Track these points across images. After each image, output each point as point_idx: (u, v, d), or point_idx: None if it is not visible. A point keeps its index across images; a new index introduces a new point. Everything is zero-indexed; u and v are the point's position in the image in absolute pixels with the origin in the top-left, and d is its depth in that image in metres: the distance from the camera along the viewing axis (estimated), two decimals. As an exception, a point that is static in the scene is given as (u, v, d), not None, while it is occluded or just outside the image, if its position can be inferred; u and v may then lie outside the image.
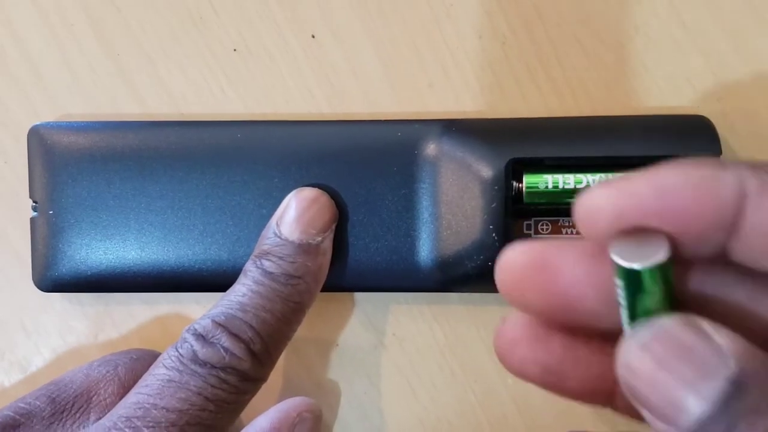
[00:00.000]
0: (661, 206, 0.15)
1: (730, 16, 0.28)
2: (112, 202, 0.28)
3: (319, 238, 0.26)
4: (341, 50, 0.29)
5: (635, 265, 0.15)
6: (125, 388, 0.26)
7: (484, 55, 0.29)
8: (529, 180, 0.26)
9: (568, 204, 0.26)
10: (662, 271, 0.15)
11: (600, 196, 0.16)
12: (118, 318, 0.30)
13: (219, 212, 0.28)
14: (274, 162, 0.28)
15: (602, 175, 0.26)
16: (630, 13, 0.28)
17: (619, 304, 0.16)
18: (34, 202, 0.29)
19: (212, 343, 0.24)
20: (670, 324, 0.15)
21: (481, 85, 0.29)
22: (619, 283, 0.16)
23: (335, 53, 0.29)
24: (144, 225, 0.28)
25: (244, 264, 0.26)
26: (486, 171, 0.26)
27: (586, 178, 0.26)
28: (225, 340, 0.24)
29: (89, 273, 0.28)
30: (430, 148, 0.27)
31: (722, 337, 0.14)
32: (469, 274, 0.27)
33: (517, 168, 0.27)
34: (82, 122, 0.29)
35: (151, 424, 0.22)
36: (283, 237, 0.26)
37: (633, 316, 0.16)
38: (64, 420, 0.25)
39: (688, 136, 0.26)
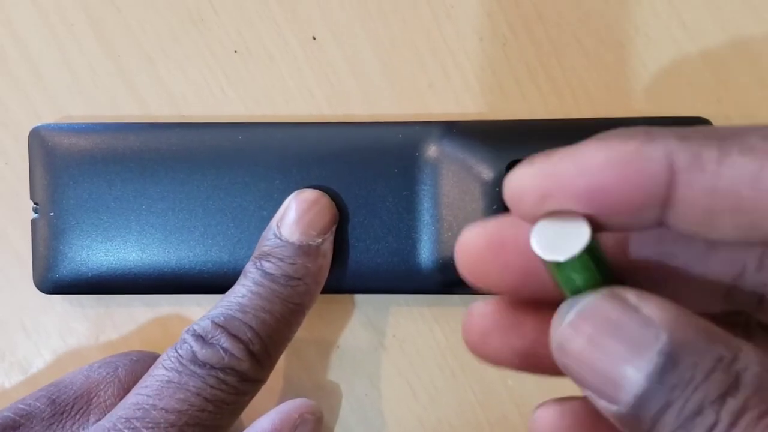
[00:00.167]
0: (586, 187, 0.15)
1: (730, 16, 0.28)
2: (113, 204, 0.28)
3: (319, 240, 0.26)
4: (341, 51, 0.29)
5: (557, 257, 0.15)
6: (125, 390, 0.26)
7: (485, 56, 0.29)
8: (529, 181, 0.26)
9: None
10: (587, 253, 0.15)
11: (525, 176, 0.15)
12: (118, 320, 0.30)
13: (220, 214, 0.28)
14: (275, 164, 0.28)
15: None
16: (630, 13, 0.28)
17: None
18: (35, 203, 0.29)
19: (211, 343, 0.24)
20: (595, 300, 0.15)
21: (482, 86, 0.29)
22: (546, 268, 0.15)
23: (335, 54, 0.29)
24: (145, 227, 0.28)
25: (244, 266, 0.26)
26: (486, 172, 0.26)
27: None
28: (224, 341, 0.24)
29: (90, 275, 0.28)
30: (431, 150, 0.27)
31: (651, 308, 0.14)
32: (469, 275, 0.27)
33: (517, 169, 0.27)
34: (83, 124, 0.29)
35: (150, 425, 0.22)
36: (283, 238, 0.26)
37: (567, 295, 0.15)
38: (63, 421, 0.25)
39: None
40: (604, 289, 0.15)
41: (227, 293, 0.25)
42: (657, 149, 0.14)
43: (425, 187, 0.27)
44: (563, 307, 0.15)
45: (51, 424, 0.25)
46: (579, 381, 0.15)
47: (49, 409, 0.25)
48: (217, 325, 0.24)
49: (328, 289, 0.27)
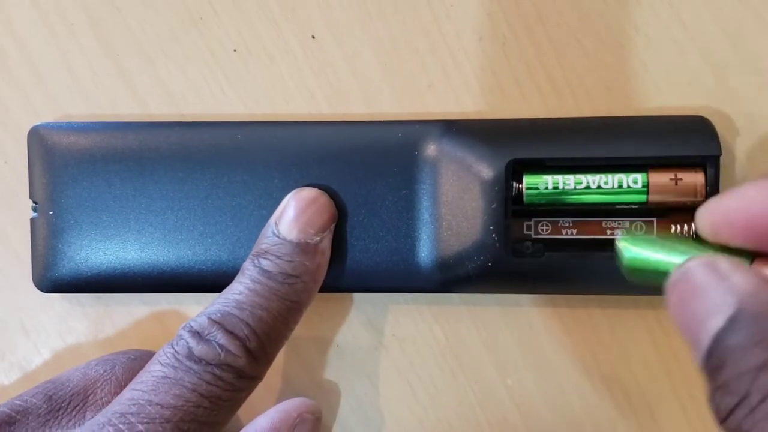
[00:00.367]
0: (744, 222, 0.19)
1: (730, 16, 0.27)
2: (112, 203, 0.28)
3: (318, 238, 0.26)
4: (341, 51, 0.29)
5: None
6: (122, 388, 0.26)
7: (484, 56, 0.29)
8: (529, 181, 0.26)
9: (568, 205, 0.26)
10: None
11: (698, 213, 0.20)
12: (117, 319, 0.30)
13: (219, 213, 0.28)
14: (274, 163, 0.28)
15: (602, 176, 0.26)
16: (630, 13, 0.28)
17: None
18: (34, 202, 0.29)
19: (208, 340, 0.24)
20: (691, 265, 0.18)
21: (481, 85, 0.29)
22: None
23: (335, 54, 0.29)
24: (144, 225, 0.28)
25: (243, 264, 0.26)
26: (486, 172, 0.26)
27: (586, 179, 0.26)
28: (221, 337, 0.24)
29: (89, 273, 0.28)
30: (430, 149, 0.27)
31: (737, 278, 0.17)
32: (469, 274, 0.27)
33: (517, 169, 0.27)
34: (83, 123, 0.29)
35: (145, 420, 0.22)
36: (281, 236, 0.26)
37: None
38: (59, 418, 0.25)
39: (688, 136, 0.26)
40: (704, 256, 0.18)
41: (225, 290, 0.25)
42: None
43: (424, 186, 0.27)
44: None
45: (47, 420, 0.25)
46: (676, 325, 0.18)
47: (46, 406, 0.25)
48: (214, 321, 0.24)
49: (327, 288, 0.27)
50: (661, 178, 0.26)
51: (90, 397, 0.26)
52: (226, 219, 0.28)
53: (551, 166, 0.26)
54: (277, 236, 0.26)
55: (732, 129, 0.28)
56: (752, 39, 0.27)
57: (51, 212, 0.28)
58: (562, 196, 0.26)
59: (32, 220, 0.29)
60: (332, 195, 0.27)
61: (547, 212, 0.27)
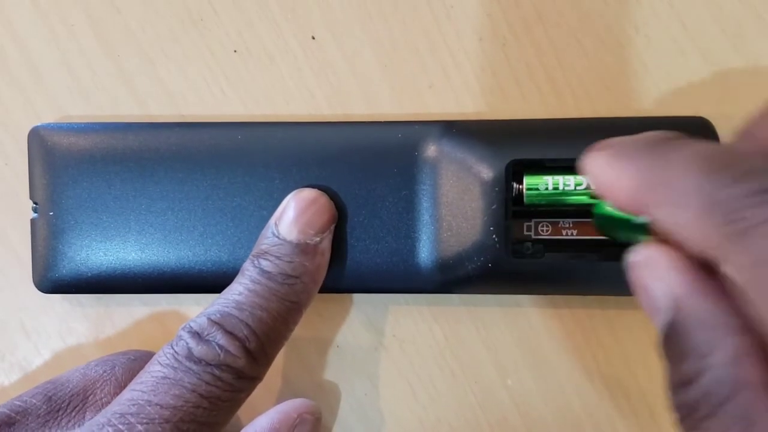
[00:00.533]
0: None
1: (730, 16, 0.27)
2: (113, 204, 0.28)
3: (317, 239, 0.26)
4: (341, 51, 0.29)
5: None
6: (122, 388, 0.26)
7: (485, 57, 0.29)
8: (529, 181, 0.26)
9: (569, 205, 0.26)
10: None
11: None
12: (118, 319, 0.30)
13: (219, 214, 0.28)
14: (275, 163, 0.28)
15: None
16: (630, 13, 0.28)
17: None
18: (34, 203, 0.29)
19: (207, 340, 0.24)
20: (636, 259, 0.19)
21: (482, 86, 0.29)
22: None
23: (335, 54, 0.29)
24: (144, 226, 0.28)
25: (243, 265, 0.26)
26: (486, 172, 0.26)
27: (586, 180, 0.26)
28: (220, 338, 0.24)
29: (89, 274, 0.28)
30: (431, 150, 0.27)
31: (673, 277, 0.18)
32: (469, 275, 0.27)
33: (517, 169, 0.27)
34: (83, 123, 0.29)
35: (144, 421, 0.22)
36: (281, 237, 0.26)
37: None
38: (59, 418, 0.25)
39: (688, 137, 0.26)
40: (648, 246, 0.19)
41: (224, 291, 0.25)
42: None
43: (425, 187, 0.27)
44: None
45: (47, 421, 0.25)
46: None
47: (45, 406, 0.25)
48: (213, 322, 0.24)
49: (327, 289, 0.27)
50: (661, 179, 0.26)
51: (90, 398, 0.26)
52: (226, 220, 0.28)
53: (551, 167, 0.26)
54: (277, 237, 0.26)
55: (732, 129, 0.28)
56: (752, 39, 0.27)
57: (51, 213, 0.28)
58: (563, 197, 0.26)
59: (32, 221, 0.29)
60: (332, 196, 0.27)
61: (548, 213, 0.27)
